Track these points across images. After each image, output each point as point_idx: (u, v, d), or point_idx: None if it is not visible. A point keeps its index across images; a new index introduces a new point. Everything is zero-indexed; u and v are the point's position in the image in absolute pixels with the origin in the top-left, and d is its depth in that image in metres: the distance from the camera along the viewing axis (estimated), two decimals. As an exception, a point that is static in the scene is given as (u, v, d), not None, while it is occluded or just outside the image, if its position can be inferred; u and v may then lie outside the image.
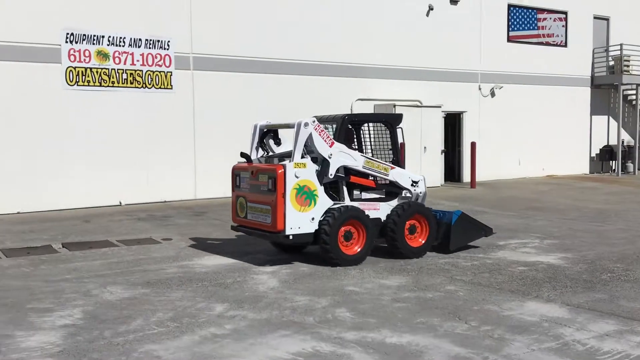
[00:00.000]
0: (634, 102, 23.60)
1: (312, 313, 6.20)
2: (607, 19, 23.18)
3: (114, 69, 14.24)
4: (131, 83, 14.48)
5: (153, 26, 14.70)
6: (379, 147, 9.56)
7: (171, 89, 15.02)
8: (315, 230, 8.16)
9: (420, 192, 9.10)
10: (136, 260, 8.68)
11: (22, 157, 13.36)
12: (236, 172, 8.90)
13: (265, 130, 9.02)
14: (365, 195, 9.04)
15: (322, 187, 8.26)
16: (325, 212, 8.21)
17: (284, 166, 8.04)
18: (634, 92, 23.29)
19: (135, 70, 14.50)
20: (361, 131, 9.44)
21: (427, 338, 5.46)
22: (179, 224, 11.91)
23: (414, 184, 9.04)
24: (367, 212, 8.50)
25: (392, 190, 9.06)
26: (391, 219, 8.64)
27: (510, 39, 20.78)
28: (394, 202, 8.90)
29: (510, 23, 20.76)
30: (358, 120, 9.42)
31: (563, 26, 22.00)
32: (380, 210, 8.76)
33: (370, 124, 9.66)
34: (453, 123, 19.90)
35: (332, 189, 8.56)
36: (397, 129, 9.13)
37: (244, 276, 7.72)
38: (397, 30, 18.21)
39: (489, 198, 15.89)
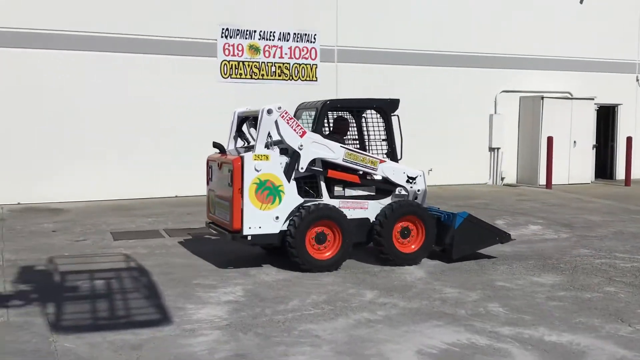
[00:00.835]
0: None
1: (463, 306, 6.17)
2: None
3: (264, 62, 14.88)
4: (279, 75, 15.05)
5: (301, 20, 15.15)
6: (381, 139, 8.30)
7: (316, 80, 15.42)
8: (281, 230, 7.37)
9: (419, 190, 7.98)
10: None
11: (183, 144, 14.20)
12: (210, 164, 8.22)
13: (243, 117, 8.26)
14: (350, 192, 7.90)
15: (294, 183, 7.40)
16: (293, 211, 7.40)
17: (242, 158, 7.21)
18: None
19: (283, 64, 15.06)
20: (362, 120, 8.39)
21: (588, 339, 5.26)
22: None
23: (411, 180, 7.96)
24: (350, 212, 7.59)
25: (385, 187, 7.99)
26: (378, 219, 7.66)
27: (674, 26, 19.17)
28: (387, 201, 7.87)
29: (675, 8, 19.13)
30: (342, 106, 8.33)
31: None
32: (369, 210, 7.76)
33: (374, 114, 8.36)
34: (605, 116, 18.77)
35: (311, 185, 7.67)
36: (392, 117, 8.03)
37: (390, 266, 7.80)
38: (544, 17, 17.42)
39: (646, 197, 14.84)
